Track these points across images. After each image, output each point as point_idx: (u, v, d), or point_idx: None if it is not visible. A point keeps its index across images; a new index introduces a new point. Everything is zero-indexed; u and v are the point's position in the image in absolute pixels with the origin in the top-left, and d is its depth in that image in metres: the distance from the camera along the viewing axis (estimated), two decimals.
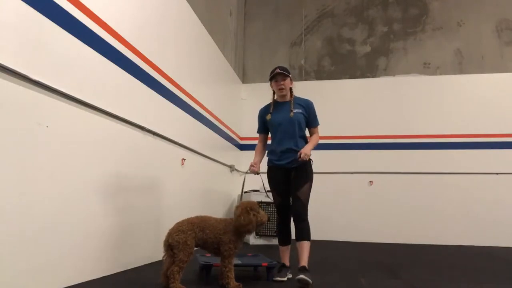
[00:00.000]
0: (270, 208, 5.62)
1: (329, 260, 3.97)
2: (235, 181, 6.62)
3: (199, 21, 4.86)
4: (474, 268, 3.75)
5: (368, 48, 7.16)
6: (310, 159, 2.88)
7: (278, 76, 2.96)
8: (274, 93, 3.07)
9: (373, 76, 7.02)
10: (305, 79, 7.18)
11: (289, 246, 3.01)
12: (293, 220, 2.86)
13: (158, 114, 3.72)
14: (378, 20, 7.21)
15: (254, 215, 2.43)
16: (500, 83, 6.50)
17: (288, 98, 3.01)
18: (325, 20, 7.39)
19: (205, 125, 5.08)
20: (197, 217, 2.48)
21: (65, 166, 2.43)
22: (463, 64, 6.76)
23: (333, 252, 4.74)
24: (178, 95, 4.18)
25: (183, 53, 4.43)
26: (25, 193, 2.10)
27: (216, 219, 2.51)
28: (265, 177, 3.09)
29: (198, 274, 2.91)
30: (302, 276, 2.51)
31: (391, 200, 6.40)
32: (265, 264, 2.84)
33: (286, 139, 2.91)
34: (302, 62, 7.32)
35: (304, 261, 2.74)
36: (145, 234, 3.42)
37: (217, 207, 5.67)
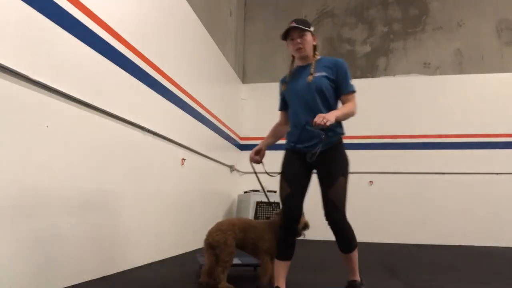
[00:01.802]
0: (270, 208, 5.62)
1: (329, 260, 3.97)
2: (235, 181, 6.62)
3: (199, 21, 4.86)
4: (474, 268, 3.75)
5: (368, 48, 7.16)
6: (341, 141, 2.22)
7: (293, 31, 2.20)
8: (293, 56, 2.33)
9: (373, 76, 7.02)
10: None
11: (288, 263, 2.27)
12: (330, 227, 2.22)
13: (158, 114, 3.72)
14: (378, 20, 7.21)
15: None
16: (500, 83, 6.50)
17: (310, 59, 2.25)
18: (325, 20, 7.39)
19: (205, 125, 5.08)
20: (237, 219, 2.52)
21: (65, 166, 2.43)
22: (463, 64, 6.76)
23: (333, 252, 4.72)
24: (178, 95, 4.18)
25: (183, 53, 4.43)
26: (25, 193, 2.10)
27: (257, 221, 2.53)
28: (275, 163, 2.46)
29: (198, 274, 2.90)
30: None
31: (391, 200, 6.40)
32: None
33: (303, 113, 2.18)
34: None
35: (351, 274, 2.29)
36: (145, 234, 3.42)
37: (217, 207, 5.67)
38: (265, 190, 2.72)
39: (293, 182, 2.21)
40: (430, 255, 4.68)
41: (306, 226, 2.30)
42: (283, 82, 2.37)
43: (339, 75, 2.20)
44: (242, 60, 7.49)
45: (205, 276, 2.38)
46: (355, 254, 2.27)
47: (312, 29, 2.26)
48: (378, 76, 7.01)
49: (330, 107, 2.21)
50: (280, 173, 2.29)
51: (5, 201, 1.97)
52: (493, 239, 5.94)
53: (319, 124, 1.98)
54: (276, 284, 2.22)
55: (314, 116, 2.02)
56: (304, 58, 2.27)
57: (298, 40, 2.21)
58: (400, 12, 7.16)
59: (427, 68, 6.87)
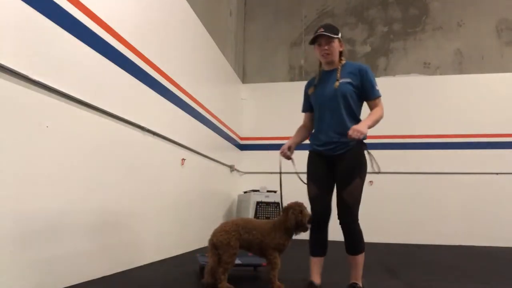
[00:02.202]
0: (270, 208, 5.62)
1: (329, 260, 3.96)
2: (235, 181, 6.62)
3: (199, 21, 4.86)
4: (474, 268, 3.75)
5: (368, 48, 7.16)
6: (364, 145, 2.33)
7: (321, 38, 2.27)
8: (320, 61, 2.41)
9: None
10: (305, 79, 7.15)
11: (322, 258, 2.42)
12: (341, 225, 2.28)
13: (158, 114, 3.72)
14: (378, 20, 7.21)
15: (292, 213, 2.37)
16: (500, 83, 6.50)
17: (336, 64, 2.33)
18: (325, 20, 7.38)
19: (205, 125, 5.08)
20: (242, 219, 2.51)
21: (65, 166, 2.43)
22: (463, 64, 6.76)
23: (333, 252, 4.72)
24: (178, 95, 4.18)
25: (183, 53, 4.43)
26: (25, 193, 2.11)
27: (262, 221, 2.52)
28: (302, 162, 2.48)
29: (198, 274, 2.91)
30: None
31: (391, 200, 6.40)
32: (265, 264, 2.84)
33: (328, 118, 2.30)
34: (302, 62, 7.32)
35: (353, 276, 2.33)
36: (145, 234, 3.42)
37: (217, 207, 5.67)
38: (280, 186, 2.74)
39: (320, 182, 2.32)
40: (430, 255, 4.68)
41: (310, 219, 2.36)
42: (311, 85, 2.45)
43: (364, 81, 2.29)
44: (242, 60, 7.49)
45: (208, 276, 2.38)
46: (362, 257, 2.30)
47: (339, 35, 2.33)
48: (378, 76, 6.99)
49: (353, 113, 2.32)
50: (307, 180, 2.39)
51: (4, 199, 1.97)
52: (493, 239, 5.94)
53: (352, 137, 2.10)
54: (310, 279, 2.36)
55: (338, 121, 2.24)
56: (330, 63, 2.35)
57: (326, 47, 2.28)
58: (400, 12, 7.16)
59: (427, 68, 6.87)
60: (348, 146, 2.26)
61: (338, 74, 2.29)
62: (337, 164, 2.28)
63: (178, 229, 4.12)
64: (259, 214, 5.59)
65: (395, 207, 6.37)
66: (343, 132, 2.21)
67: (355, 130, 2.10)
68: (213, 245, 2.34)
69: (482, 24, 6.80)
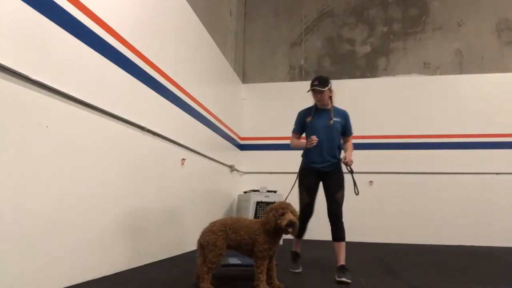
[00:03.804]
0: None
1: (329, 260, 3.97)
2: (235, 181, 6.62)
3: (199, 21, 4.86)
4: (474, 268, 3.75)
5: (368, 48, 7.16)
6: (341, 164, 3.19)
7: (315, 90, 3.09)
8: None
9: (373, 76, 7.02)
10: (305, 79, 7.17)
11: (300, 240, 3.37)
12: (330, 220, 3.06)
13: (158, 114, 3.72)
14: (378, 20, 7.21)
15: (273, 215, 2.38)
16: (500, 83, 6.50)
17: (328, 106, 3.18)
18: (325, 20, 7.39)
19: (205, 125, 5.08)
20: (230, 218, 2.49)
21: (65, 166, 2.43)
22: (463, 64, 6.76)
23: (333, 252, 4.73)
24: (178, 95, 4.18)
25: (183, 53, 4.43)
26: (25, 193, 2.11)
27: (250, 220, 2.50)
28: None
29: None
30: (343, 279, 2.75)
31: (391, 200, 6.41)
32: None
33: (324, 144, 3.11)
34: (302, 62, 7.32)
35: (342, 259, 2.97)
36: (145, 234, 3.42)
37: (217, 207, 5.67)
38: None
39: (310, 191, 3.15)
40: (430, 255, 4.68)
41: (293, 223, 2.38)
42: (308, 115, 3.21)
43: (347, 123, 3.22)
44: (242, 60, 7.49)
45: (197, 276, 2.40)
46: (345, 243, 3.07)
47: (330, 85, 3.10)
48: (378, 76, 7.01)
49: (339, 142, 3.20)
50: (300, 188, 3.19)
51: (4, 199, 1.97)
52: (493, 239, 5.95)
53: (349, 165, 3.10)
54: (293, 250, 3.31)
55: (331, 148, 3.12)
56: (322, 105, 3.20)
57: (319, 96, 3.11)
58: (400, 12, 7.16)
59: (427, 68, 6.87)
60: (335, 165, 3.15)
61: (332, 115, 3.13)
62: (328, 177, 3.12)
63: (178, 229, 4.12)
64: (259, 214, 5.59)
65: (395, 207, 6.37)
66: (334, 155, 3.13)
67: (349, 160, 3.09)
68: (201, 245, 2.36)
69: (482, 24, 6.81)
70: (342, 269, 2.85)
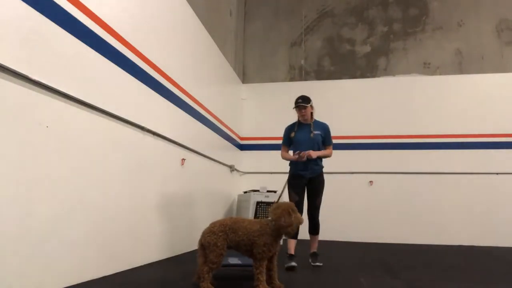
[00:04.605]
0: (269, 208, 5.63)
1: (329, 260, 3.97)
2: (235, 181, 6.62)
3: (199, 21, 4.86)
4: (474, 268, 3.75)
5: (368, 48, 7.16)
6: (323, 171, 3.63)
7: (300, 106, 3.55)
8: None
9: (373, 76, 7.02)
10: (305, 79, 7.18)
11: (295, 240, 3.55)
12: (309, 219, 3.59)
13: (158, 114, 3.72)
14: (378, 20, 7.21)
15: (295, 217, 2.42)
16: (500, 83, 6.50)
17: (309, 121, 3.63)
18: (325, 20, 7.39)
19: (205, 125, 5.08)
20: (230, 218, 2.50)
21: (65, 166, 2.43)
22: (463, 64, 6.76)
23: (333, 252, 4.73)
24: (178, 95, 4.18)
25: (183, 53, 4.43)
26: (25, 193, 2.11)
27: (250, 221, 2.50)
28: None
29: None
30: (317, 263, 3.51)
31: (391, 200, 6.41)
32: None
33: None
34: (302, 62, 7.32)
35: (315, 248, 3.64)
36: (145, 234, 3.42)
37: (217, 207, 5.67)
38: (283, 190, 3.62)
39: (299, 193, 3.56)
40: (430, 255, 4.68)
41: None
42: (292, 130, 3.68)
43: (326, 135, 3.64)
44: (242, 60, 7.49)
45: (198, 276, 2.40)
46: (318, 236, 3.65)
47: (311, 103, 3.58)
48: (378, 76, 7.01)
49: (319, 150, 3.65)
50: (290, 191, 3.60)
51: (4, 199, 1.97)
52: (493, 239, 5.95)
53: (301, 156, 3.45)
54: (289, 253, 3.47)
55: (313, 158, 3.52)
56: (305, 120, 3.64)
57: (303, 112, 3.56)
58: (400, 12, 7.16)
59: (427, 68, 6.87)
60: (317, 172, 3.57)
61: (312, 128, 3.59)
62: (311, 183, 3.57)
63: (178, 229, 4.12)
64: (259, 214, 5.59)
65: (395, 207, 6.37)
66: (316, 163, 3.58)
67: (308, 153, 3.45)
68: (201, 245, 2.38)
69: (482, 24, 6.81)
70: (315, 255, 3.59)
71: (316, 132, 3.57)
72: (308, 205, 3.60)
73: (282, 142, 3.77)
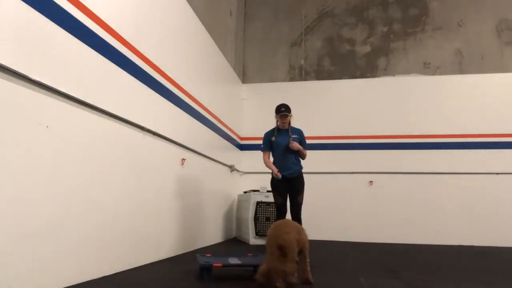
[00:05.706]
0: (270, 208, 5.64)
1: (329, 260, 3.97)
2: (235, 181, 6.62)
3: (199, 21, 4.86)
4: (474, 268, 3.75)
5: (368, 48, 7.16)
6: (302, 172, 3.98)
7: (283, 115, 3.90)
8: (277, 121, 3.99)
9: (373, 76, 7.02)
10: (305, 79, 7.18)
11: None
12: (292, 217, 3.78)
13: (158, 114, 3.72)
14: (378, 20, 7.21)
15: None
16: (500, 83, 6.51)
17: (287, 127, 4.00)
18: (325, 20, 7.39)
19: (205, 125, 5.08)
20: (291, 221, 2.85)
21: (65, 166, 2.43)
22: (463, 64, 6.76)
23: (333, 252, 4.74)
24: (178, 95, 4.18)
25: (183, 53, 4.43)
26: (25, 193, 2.10)
27: (293, 222, 2.85)
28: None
29: (198, 274, 2.91)
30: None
31: (391, 200, 6.41)
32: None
33: (287, 157, 3.92)
34: (302, 62, 7.32)
35: None
36: (145, 234, 3.42)
37: (217, 207, 5.67)
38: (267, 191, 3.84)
39: (282, 194, 3.92)
40: (430, 255, 4.68)
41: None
42: (271, 135, 4.01)
43: (302, 139, 4.02)
44: (242, 60, 7.49)
45: (262, 276, 2.35)
46: None
47: (291, 113, 3.93)
48: (378, 76, 7.01)
49: (297, 155, 3.98)
50: (273, 192, 3.99)
51: (4, 199, 1.97)
52: (493, 239, 5.95)
53: (292, 144, 3.84)
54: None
55: (292, 159, 3.92)
56: (283, 127, 3.99)
57: (284, 120, 3.92)
58: (400, 12, 7.16)
59: (427, 68, 6.87)
60: (298, 173, 3.93)
61: (290, 133, 3.95)
62: (292, 182, 3.89)
63: (178, 229, 4.12)
64: (258, 214, 5.59)
65: (395, 207, 6.37)
66: (296, 163, 3.94)
67: (294, 145, 3.84)
68: (279, 246, 2.36)
69: (482, 24, 6.81)
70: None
71: (293, 136, 3.96)
72: (290, 203, 3.90)
73: (264, 147, 4.07)
